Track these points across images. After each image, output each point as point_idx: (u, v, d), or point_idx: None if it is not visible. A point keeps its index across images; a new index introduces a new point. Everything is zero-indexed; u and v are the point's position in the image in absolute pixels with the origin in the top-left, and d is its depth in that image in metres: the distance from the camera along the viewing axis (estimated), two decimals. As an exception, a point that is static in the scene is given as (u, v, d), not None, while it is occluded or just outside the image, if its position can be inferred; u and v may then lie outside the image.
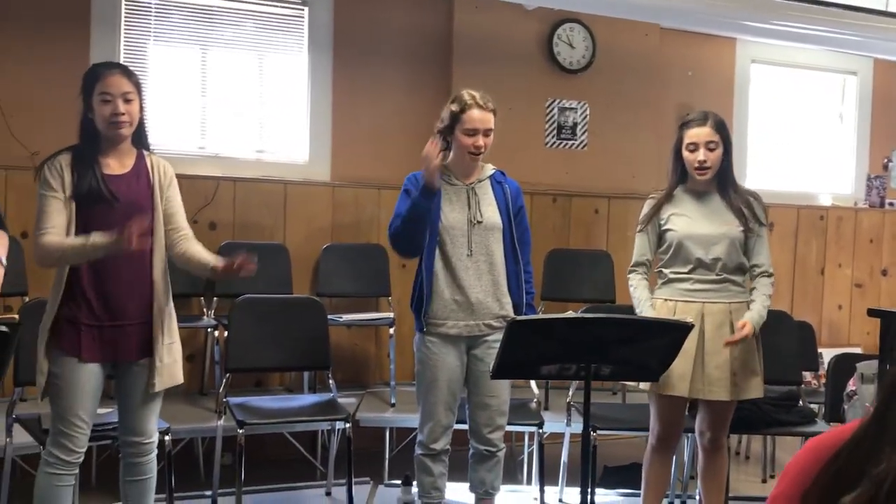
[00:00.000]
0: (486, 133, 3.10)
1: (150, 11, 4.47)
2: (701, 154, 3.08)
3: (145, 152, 2.80)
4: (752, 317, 3.05)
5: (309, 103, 4.77)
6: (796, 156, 6.02)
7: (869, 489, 0.73)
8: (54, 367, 2.64)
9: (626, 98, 5.25)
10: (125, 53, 4.41)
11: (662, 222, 3.17)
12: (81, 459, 2.73)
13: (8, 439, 3.25)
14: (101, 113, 2.64)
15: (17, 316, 1.66)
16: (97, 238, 2.54)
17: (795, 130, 6.01)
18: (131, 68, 2.80)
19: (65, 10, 4.27)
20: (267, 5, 4.71)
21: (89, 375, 2.66)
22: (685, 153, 3.13)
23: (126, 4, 4.40)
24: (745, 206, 3.13)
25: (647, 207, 3.22)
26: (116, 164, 2.71)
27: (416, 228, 3.04)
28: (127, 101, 2.66)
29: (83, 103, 2.69)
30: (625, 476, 4.16)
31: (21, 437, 3.28)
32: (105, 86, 2.64)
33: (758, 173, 5.78)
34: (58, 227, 2.60)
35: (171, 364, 2.77)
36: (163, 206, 2.77)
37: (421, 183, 3.00)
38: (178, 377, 2.82)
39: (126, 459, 2.84)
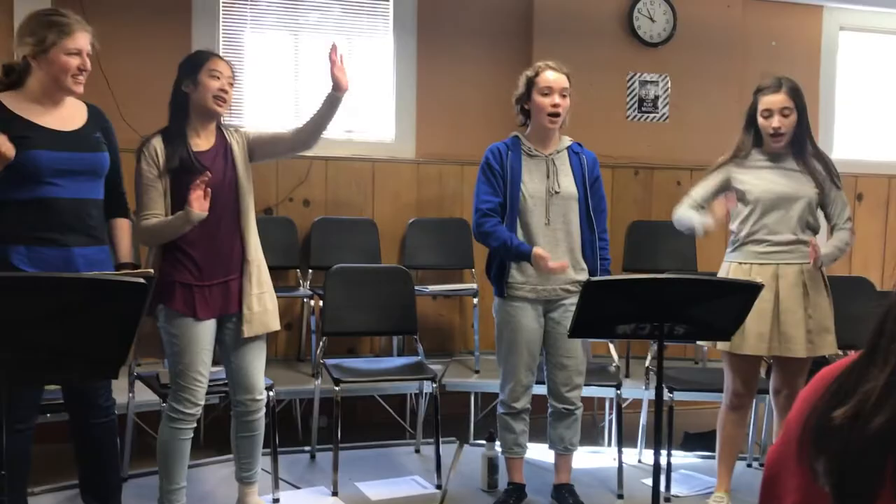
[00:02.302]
0: (563, 94, 3.20)
1: (246, 0, 4.73)
2: (776, 121, 3.13)
3: (224, 130, 3.02)
4: (824, 251, 3.12)
5: (395, 84, 4.96)
6: (887, 124, 5.88)
7: (856, 404, 0.84)
8: (172, 328, 2.90)
9: (708, 70, 5.23)
10: (223, 41, 4.68)
11: (740, 186, 3.22)
12: (200, 412, 2.99)
13: (131, 395, 3.57)
14: (209, 86, 2.87)
15: (151, 269, 1.85)
16: (178, 214, 2.80)
17: (886, 98, 5.86)
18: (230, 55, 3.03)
19: (169, 2, 4.57)
20: (354, -10, 4.92)
21: (205, 332, 2.92)
22: (760, 119, 3.18)
23: (224, -5, 4.67)
24: (821, 170, 3.17)
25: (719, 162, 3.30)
26: (202, 142, 2.94)
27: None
28: (231, 84, 2.92)
29: (183, 80, 2.90)
30: (705, 442, 4.22)
31: (139, 395, 3.60)
32: (216, 64, 2.90)
33: (847, 143, 5.67)
34: (158, 214, 2.86)
35: (260, 312, 2.99)
36: (256, 152, 3.01)
37: (521, 249, 3.12)
38: (271, 325, 3.04)
39: (238, 418, 3.09)
